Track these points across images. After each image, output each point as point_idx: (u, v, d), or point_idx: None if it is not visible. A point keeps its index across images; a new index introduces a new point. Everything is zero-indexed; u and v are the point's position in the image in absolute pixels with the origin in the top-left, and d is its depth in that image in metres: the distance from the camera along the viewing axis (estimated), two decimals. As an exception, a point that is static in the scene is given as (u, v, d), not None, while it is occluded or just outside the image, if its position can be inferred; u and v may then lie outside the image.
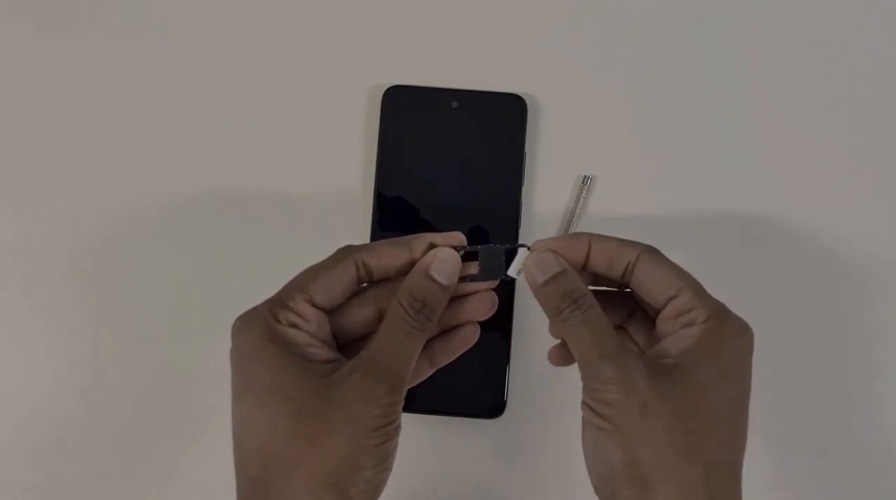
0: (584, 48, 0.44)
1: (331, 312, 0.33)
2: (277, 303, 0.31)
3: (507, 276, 0.34)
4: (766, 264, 0.43)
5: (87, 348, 0.42)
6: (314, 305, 0.32)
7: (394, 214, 0.41)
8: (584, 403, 0.31)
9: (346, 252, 0.33)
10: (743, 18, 0.45)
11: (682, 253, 0.43)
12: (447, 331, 0.35)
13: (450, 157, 0.41)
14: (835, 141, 0.44)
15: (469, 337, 0.35)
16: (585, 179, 0.43)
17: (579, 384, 0.31)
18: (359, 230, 0.42)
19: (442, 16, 0.45)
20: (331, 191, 0.41)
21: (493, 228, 0.41)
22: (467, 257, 0.34)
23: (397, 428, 0.31)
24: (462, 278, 0.33)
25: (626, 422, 0.30)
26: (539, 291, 0.33)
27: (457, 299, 0.35)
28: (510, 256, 0.34)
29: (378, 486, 0.31)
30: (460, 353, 0.35)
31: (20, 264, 0.43)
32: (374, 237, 0.41)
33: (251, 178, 0.43)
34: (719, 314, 0.32)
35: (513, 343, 0.41)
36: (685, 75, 0.44)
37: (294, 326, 0.31)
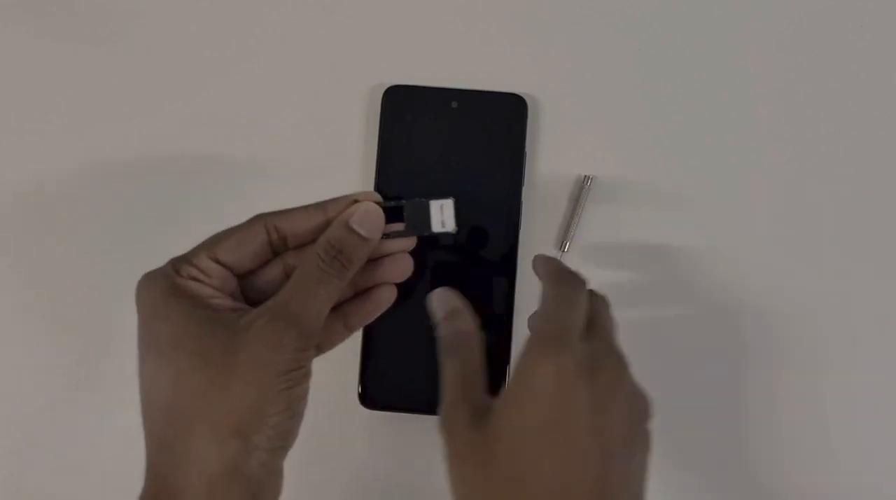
0: (584, 48, 0.44)
1: (245, 276, 0.33)
2: (180, 260, 0.31)
3: (433, 231, 0.33)
4: (764, 265, 0.43)
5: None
6: (219, 263, 0.31)
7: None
8: None
9: (258, 216, 0.33)
10: (745, 17, 0.45)
11: (682, 252, 0.43)
12: (362, 293, 0.35)
13: (450, 157, 0.41)
14: (834, 141, 0.44)
15: (385, 299, 0.35)
16: (586, 179, 0.43)
17: None
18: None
19: (441, 15, 0.45)
20: (331, 191, 0.41)
21: (493, 227, 0.41)
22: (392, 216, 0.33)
23: (306, 374, 0.30)
24: (387, 235, 0.33)
25: (453, 475, 0.29)
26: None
27: (372, 261, 0.34)
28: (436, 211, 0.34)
29: (286, 434, 0.30)
30: (376, 315, 0.35)
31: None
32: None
33: (251, 178, 0.43)
34: (534, 340, 0.29)
35: (513, 342, 0.41)
36: (686, 75, 0.44)
37: (196, 279, 0.31)
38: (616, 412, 0.28)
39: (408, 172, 0.40)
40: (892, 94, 0.44)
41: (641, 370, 0.42)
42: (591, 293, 0.33)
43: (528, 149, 0.42)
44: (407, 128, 0.41)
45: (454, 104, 0.41)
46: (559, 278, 0.33)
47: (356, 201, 0.33)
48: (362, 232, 0.32)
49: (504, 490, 0.27)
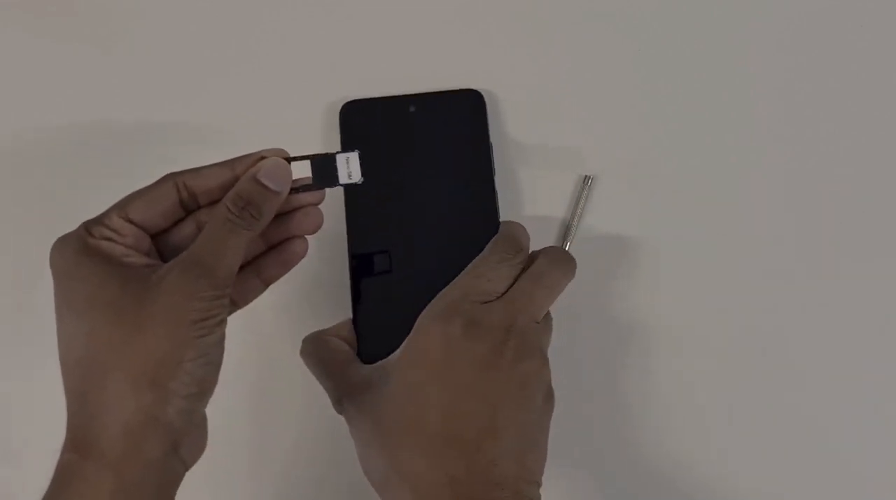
0: (584, 48, 0.44)
1: (159, 235, 0.34)
2: (92, 221, 0.32)
3: (340, 183, 0.34)
4: (764, 264, 0.43)
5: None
6: (131, 222, 0.32)
7: (368, 228, 0.39)
8: None
9: (168, 175, 0.33)
10: (745, 17, 0.45)
11: (682, 253, 0.43)
12: (275, 247, 0.36)
13: (417, 162, 0.40)
14: (834, 141, 0.44)
15: (298, 252, 0.36)
16: (586, 179, 0.43)
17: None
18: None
19: (442, 15, 0.45)
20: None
21: (472, 222, 0.39)
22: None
23: (221, 322, 0.31)
24: (295, 189, 0.34)
25: (352, 436, 0.34)
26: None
27: (283, 215, 0.35)
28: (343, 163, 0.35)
29: (202, 381, 0.31)
30: (290, 268, 0.36)
31: None
32: (352, 262, 0.39)
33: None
34: (434, 303, 0.34)
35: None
36: (686, 75, 0.44)
37: (108, 239, 0.31)
38: (503, 369, 0.32)
39: (377, 183, 0.38)
40: (892, 94, 0.44)
41: (642, 370, 0.43)
42: (542, 262, 0.36)
43: (497, 141, 0.41)
44: (369, 141, 0.40)
45: (412, 109, 0.41)
46: (495, 243, 0.36)
47: (263, 158, 0.34)
48: (270, 185, 0.33)
49: (398, 439, 0.32)
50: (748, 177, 0.43)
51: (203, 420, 0.33)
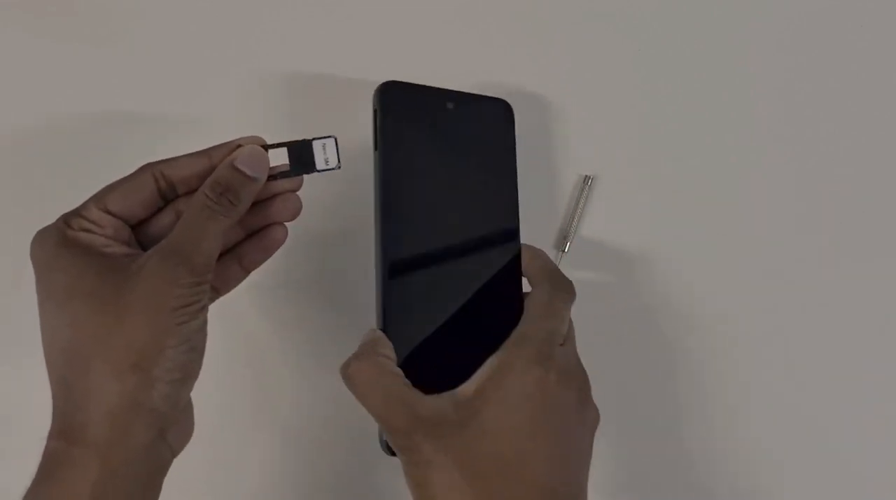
0: (584, 48, 0.44)
1: (138, 225, 0.34)
2: (71, 214, 0.32)
3: (317, 169, 0.34)
4: (764, 264, 0.43)
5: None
6: (109, 213, 0.32)
7: (402, 231, 0.36)
8: None
9: (145, 166, 0.34)
10: (745, 17, 0.45)
11: (682, 252, 0.43)
12: (255, 234, 0.36)
13: (450, 162, 0.38)
14: (834, 141, 0.44)
15: (277, 238, 0.36)
16: (586, 178, 0.43)
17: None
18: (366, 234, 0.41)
19: (442, 15, 0.45)
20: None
21: (494, 232, 0.38)
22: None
23: (202, 309, 0.31)
24: (273, 176, 0.34)
25: (416, 478, 0.30)
26: None
27: (262, 202, 0.35)
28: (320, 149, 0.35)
29: (186, 366, 0.31)
30: (270, 255, 0.36)
31: None
32: (384, 267, 0.35)
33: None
34: (523, 346, 0.32)
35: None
36: (686, 75, 0.44)
37: (87, 231, 0.32)
38: (583, 415, 0.32)
39: (409, 171, 0.37)
40: (892, 94, 0.44)
41: (642, 369, 0.43)
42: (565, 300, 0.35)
43: (526, 149, 0.40)
44: (406, 127, 0.38)
45: (449, 106, 0.39)
46: (553, 280, 0.35)
47: (240, 146, 0.34)
48: (247, 171, 0.33)
49: (495, 486, 0.29)
50: (748, 177, 0.43)
51: (189, 407, 0.33)
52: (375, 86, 0.37)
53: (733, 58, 0.44)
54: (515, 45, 0.44)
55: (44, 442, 0.30)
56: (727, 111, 0.44)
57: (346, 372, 0.31)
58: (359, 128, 0.40)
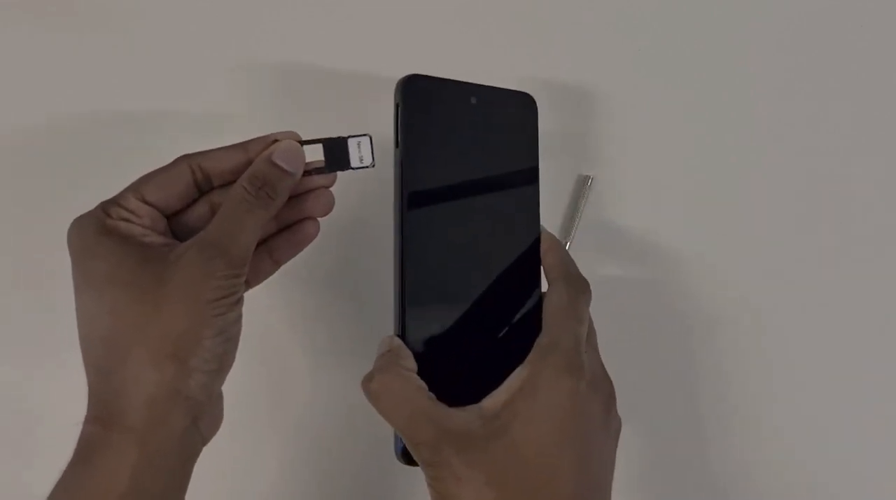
0: (584, 48, 0.44)
1: (173, 216, 0.34)
2: (109, 202, 0.32)
3: (352, 166, 0.34)
4: (764, 264, 0.43)
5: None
6: (147, 203, 0.33)
7: (425, 228, 0.35)
8: None
9: (182, 157, 0.34)
10: (745, 17, 0.45)
11: (682, 253, 0.43)
12: (288, 228, 0.36)
13: (474, 158, 0.37)
14: (834, 141, 0.44)
15: (309, 233, 0.36)
16: (586, 178, 0.43)
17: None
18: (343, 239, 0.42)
19: (442, 14, 0.45)
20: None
21: (516, 228, 0.37)
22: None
23: (238, 301, 0.31)
24: (308, 172, 0.34)
25: (442, 492, 0.29)
26: None
27: (296, 197, 0.35)
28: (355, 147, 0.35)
29: (222, 357, 0.31)
30: (301, 249, 0.36)
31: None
32: (405, 268, 0.34)
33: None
34: (542, 351, 0.31)
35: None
36: (686, 75, 0.44)
37: (126, 220, 0.32)
38: (608, 423, 0.32)
39: (432, 167, 0.35)
40: (892, 94, 0.44)
41: (642, 369, 0.43)
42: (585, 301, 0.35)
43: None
44: (429, 122, 0.36)
45: (473, 100, 0.38)
46: (569, 280, 0.34)
47: (276, 141, 0.34)
48: (285, 166, 0.33)
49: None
50: (748, 177, 0.43)
51: (220, 397, 0.33)
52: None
53: (733, 58, 0.44)
54: (515, 45, 0.44)
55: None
56: (727, 111, 0.44)
57: (370, 388, 0.31)
58: (367, 124, 0.40)
